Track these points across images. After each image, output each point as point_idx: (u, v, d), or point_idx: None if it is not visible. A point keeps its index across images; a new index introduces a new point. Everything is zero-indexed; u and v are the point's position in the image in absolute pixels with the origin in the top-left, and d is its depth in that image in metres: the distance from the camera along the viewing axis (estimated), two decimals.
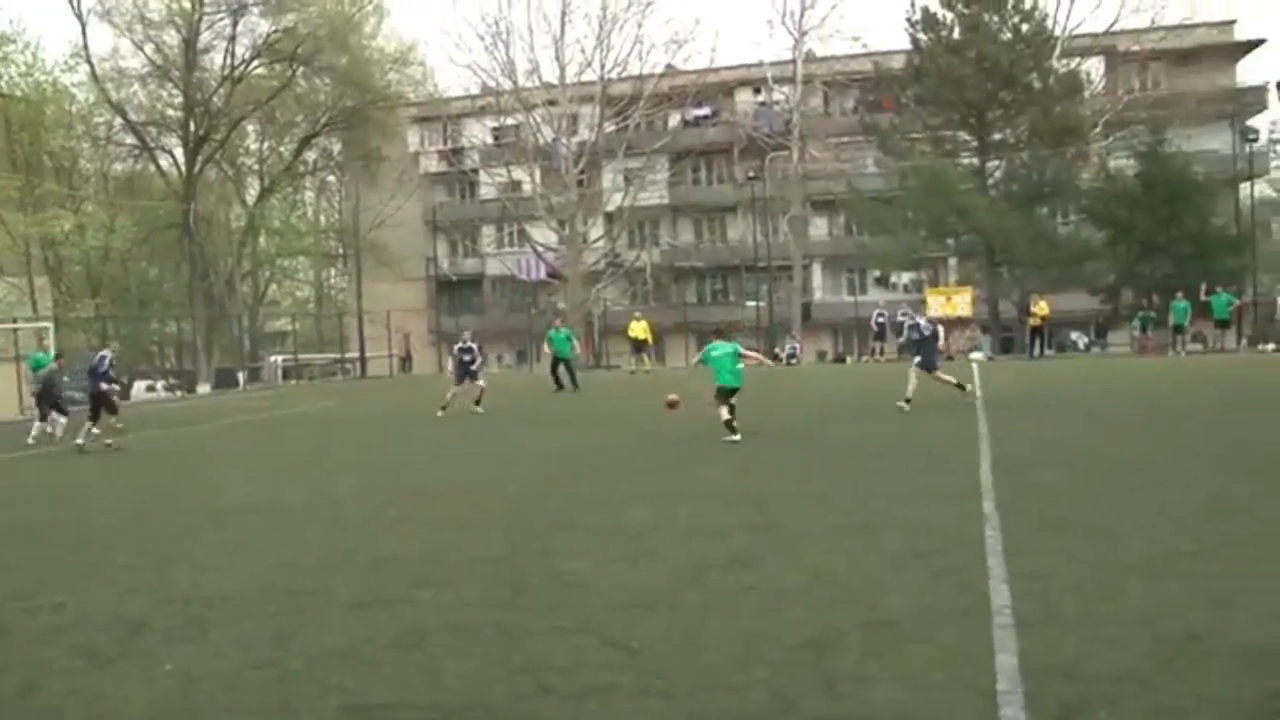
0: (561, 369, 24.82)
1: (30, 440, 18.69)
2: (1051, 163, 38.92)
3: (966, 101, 39.53)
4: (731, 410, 13.58)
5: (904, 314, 35.15)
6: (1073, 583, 6.16)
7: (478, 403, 19.60)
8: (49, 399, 19.21)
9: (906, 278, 49.11)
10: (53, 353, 20.35)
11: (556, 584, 6.70)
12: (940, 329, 17.35)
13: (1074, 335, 42.71)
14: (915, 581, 6.37)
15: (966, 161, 41.69)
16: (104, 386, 17.71)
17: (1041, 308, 31.43)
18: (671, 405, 14.93)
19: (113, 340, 25.75)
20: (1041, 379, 23.50)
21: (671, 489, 10.29)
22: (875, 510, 8.69)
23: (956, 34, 40.00)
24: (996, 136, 40.82)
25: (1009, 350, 38.95)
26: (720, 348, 14.27)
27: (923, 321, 17.56)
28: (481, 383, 20.29)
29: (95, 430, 17.28)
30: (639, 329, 31.44)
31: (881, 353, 34.51)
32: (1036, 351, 31.44)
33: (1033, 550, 7.00)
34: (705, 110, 52.74)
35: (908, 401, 16.40)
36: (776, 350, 39.06)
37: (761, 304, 42.26)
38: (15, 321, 30.92)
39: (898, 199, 41.43)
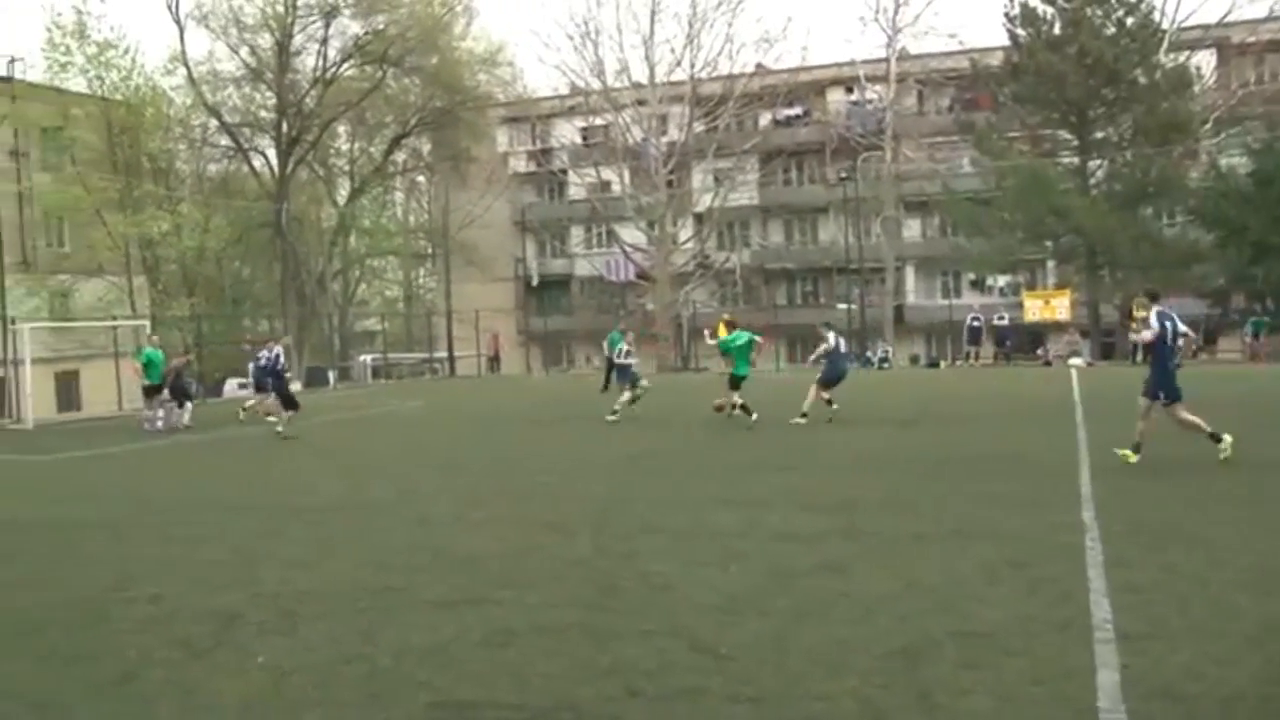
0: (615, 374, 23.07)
1: (159, 428, 20.55)
2: (1157, 161, 37.76)
3: (1067, 99, 38.62)
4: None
5: (1000, 317, 34.56)
6: (1178, 597, 5.99)
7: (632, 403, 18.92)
8: (179, 390, 21.43)
9: (1002, 281, 48.09)
10: (181, 348, 21.49)
11: (644, 587, 6.72)
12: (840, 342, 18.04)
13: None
14: (1011, 592, 6.25)
15: (1066, 161, 40.72)
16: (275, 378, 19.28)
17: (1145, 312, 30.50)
18: (719, 409, 15.35)
19: (285, 336, 26.86)
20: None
21: (759, 493, 10.25)
22: (968, 518, 8.55)
23: (1057, 29, 39.11)
24: (1098, 135, 39.79)
25: (1109, 356, 37.92)
26: (741, 336, 15.65)
27: (832, 336, 17.97)
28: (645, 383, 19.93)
29: (284, 416, 18.64)
30: (724, 331, 31.23)
31: (976, 357, 33.93)
32: (1139, 357, 30.52)
33: (1135, 562, 6.82)
34: (796, 110, 52.34)
35: (804, 416, 16.61)
36: (868, 354, 38.63)
37: (853, 306, 41.78)
38: (115, 319, 32.20)
39: (994, 200, 40.62)
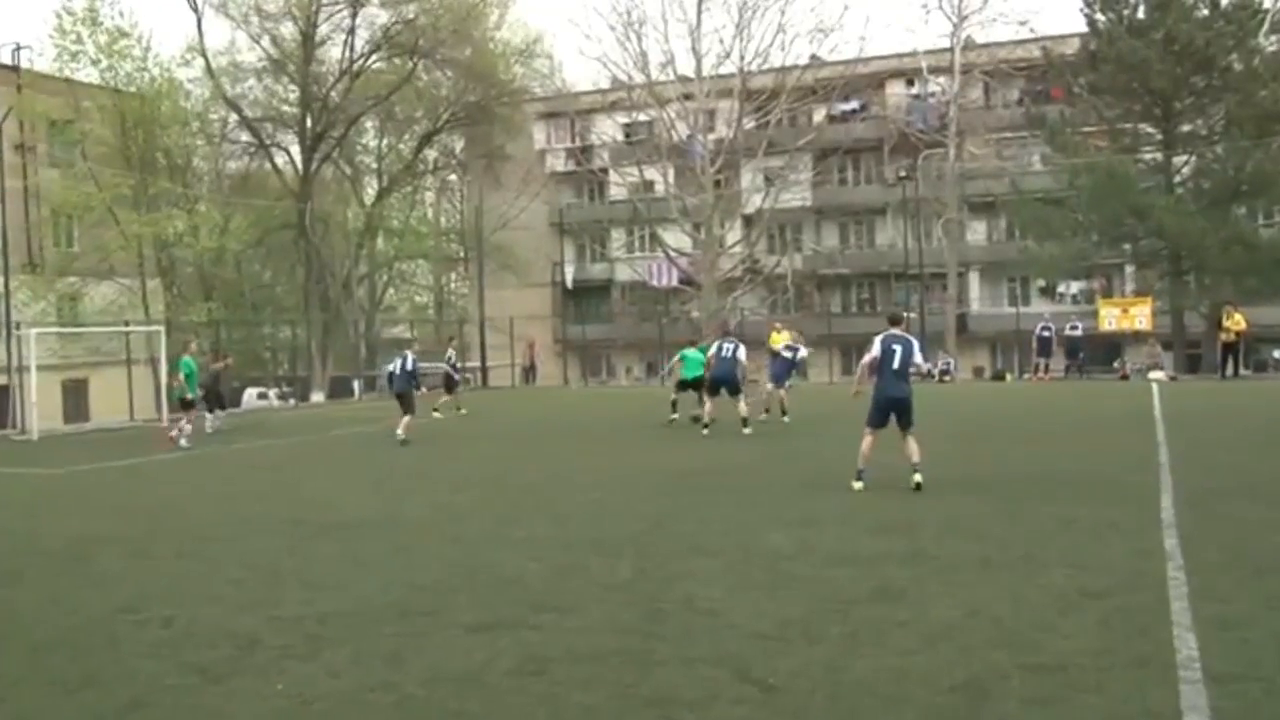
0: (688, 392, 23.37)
1: (209, 430, 21.39)
2: (1253, 155, 36.97)
3: (1150, 89, 38.16)
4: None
5: (1073, 327, 34.15)
6: (1274, 634, 5.89)
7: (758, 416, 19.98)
8: (215, 396, 22.30)
9: (1075, 287, 47.63)
10: (213, 352, 21.92)
11: (688, 612, 6.73)
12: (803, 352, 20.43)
13: (1277, 354, 40.68)
14: (1085, 624, 6.18)
15: (1148, 157, 40.25)
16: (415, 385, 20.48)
17: (1236, 321, 29.91)
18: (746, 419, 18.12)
19: (415, 341, 27.62)
20: (1234, 402, 22.51)
21: (812, 513, 10.23)
22: (1039, 543, 8.48)
23: (1141, 13, 38.66)
24: (1185, 128, 39.27)
25: (1196, 369, 37.36)
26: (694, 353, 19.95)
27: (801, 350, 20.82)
28: (778, 388, 21.13)
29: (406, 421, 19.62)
30: (778, 339, 31.49)
31: (1046, 370, 33.53)
32: (1229, 371, 30.05)
33: (1226, 594, 6.72)
34: (853, 104, 52.21)
35: (744, 423, 18.56)
36: (929, 366, 38.30)
37: (912, 314, 41.51)
38: (127, 324, 32.50)
39: (1067, 200, 40.22)
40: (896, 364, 11.50)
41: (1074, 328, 34.23)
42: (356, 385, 41.45)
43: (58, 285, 35.55)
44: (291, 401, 39.68)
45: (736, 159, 47.21)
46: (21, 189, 35.38)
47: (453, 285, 72.15)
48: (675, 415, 19.64)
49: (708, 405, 19.14)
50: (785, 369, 22.10)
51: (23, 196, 35.46)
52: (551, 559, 8.50)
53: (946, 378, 36.24)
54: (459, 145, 56.11)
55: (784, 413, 20.67)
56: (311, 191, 47.07)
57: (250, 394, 45.41)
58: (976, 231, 51.50)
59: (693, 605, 6.87)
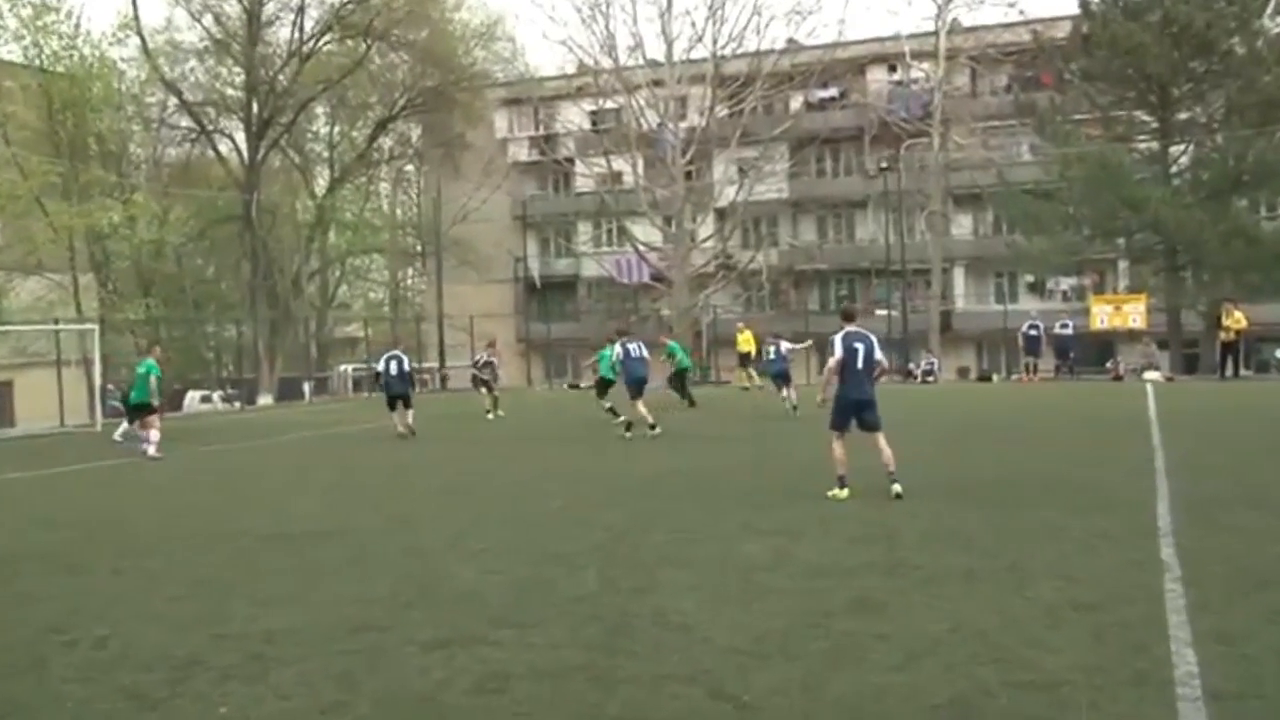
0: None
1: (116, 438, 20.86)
2: (1255, 145, 37.16)
3: (1147, 75, 38.44)
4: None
5: (1063, 325, 34.41)
6: (1276, 649, 5.93)
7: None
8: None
9: (1066, 284, 48.02)
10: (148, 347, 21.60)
11: (658, 626, 6.73)
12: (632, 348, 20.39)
13: (1278, 353, 41.14)
14: (1076, 638, 6.21)
15: (1144, 146, 40.62)
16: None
17: (1236, 319, 30.20)
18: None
19: (404, 341, 27.80)
20: (1234, 404, 22.76)
21: (789, 521, 10.24)
22: (1027, 553, 8.52)
23: None
24: (1183, 116, 39.61)
25: (1193, 370, 37.75)
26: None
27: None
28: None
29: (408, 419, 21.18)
30: (744, 340, 32.46)
31: (1035, 370, 33.79)
32: (1229, 371, 30.38)
33: (1226, 608, 6.76)
34: (832, 91, 52.44)
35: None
36: (910, 366, 38.55)
37: (894, 313, 41.80)
38: (57, 322, 32.06)
39: (1058, 192, 40.55)
40: (860, 363, 11.50)
41: (1064, 326, 34.50)
42: (307, 387, 41.28)
43: None
44: (237, 405, 39.41)
45: (709, 149, 47.33)
46: None
47: (410, 281, 71.97)
48: (620, 417, 19.92)
49: (644, 409, 19.60)
50: (783, 368, 23.84)
51: None
52: (512, 571, 8.47)
53: (930, 379, 36.47)
54: (416, 133, 56.04)
55: (794, 408, 22.79)
56: (258, 181, 46.76)
57: (193, 397, 45.09)
58: (962, 225, 51.91)
59: (663, 619, 6.87)
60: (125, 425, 21.32)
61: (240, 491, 14.58)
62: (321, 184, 56.60)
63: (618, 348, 20.19)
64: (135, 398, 19.73)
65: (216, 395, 45.31)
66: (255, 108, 46.03)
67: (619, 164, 48.39)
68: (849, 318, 11.94)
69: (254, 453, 20.06)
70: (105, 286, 40.46)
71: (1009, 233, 47.04)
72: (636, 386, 19.82)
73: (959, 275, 52.11)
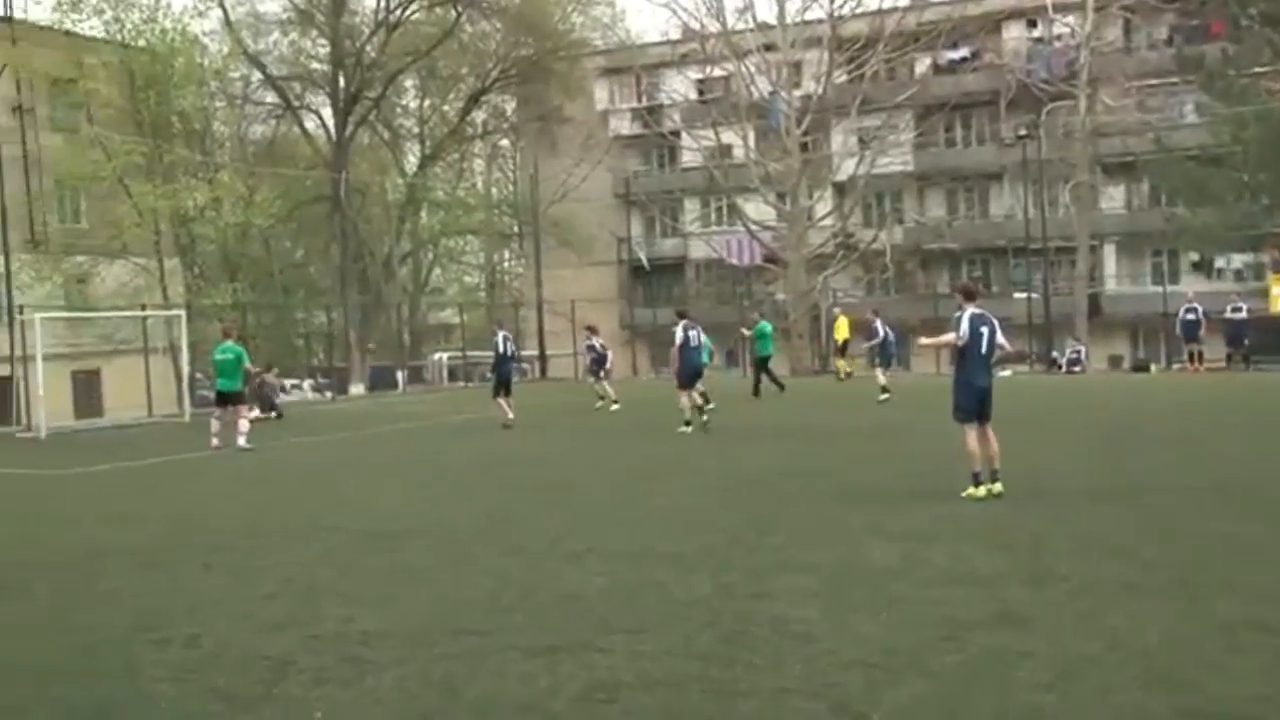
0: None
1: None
2: None
3: None
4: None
5: (1235, 308, 33.15)
6: None
7: None
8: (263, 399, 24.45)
9: (1238, 261, 46.41)
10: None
11: (778, 635, 6.70)
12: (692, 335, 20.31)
13: None
14: (1256, 663, 6.00)
15: None
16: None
17: None
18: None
19: (507, 324, 28.71)
20: None
21: (922, 524, 10.13)
22: (1193, 564, 8.29)
23: None
24: None
25: None
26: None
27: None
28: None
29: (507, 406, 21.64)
30: (841, 327, 32.44)
31: (1200, 359, 32.72)
32: None
33: None
34: (963, 52, 51.53)
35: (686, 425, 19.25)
36: (1054, 355, 37.81)
37: (1034, 296, 40.99)
38: (144, 309, 32.97)
39: (1228, 157, 39.07)
40: (984, 348, 11.42)
41: (1237, 309, 33.15)
42: (400, 376, 41.86)
43: (64, 265, 36.04)
44: (328, 394, 40.19)
45: (826, 119, 46.93)
46: (21, 157, 35.97)
47: (506, 264, 72.63)
48: (710, 404, 20.51)
49: (696, 398, 19.92)
50: (889, 350, 25.45)
51: (22, 165, 36.07)
52: (619, 573, 8.51)
53: (1076, 368, 35.73)
54: (510, 106, 56.44)
55: (885, 390, 24.09)
56: (346, 159, 47.56)
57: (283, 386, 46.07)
58: (1112, 198, 50.46)
59: (783, 628, 6.84)
60: (243, 424, 20.14)
61: (331, 486, 14.86)
62: (412, 161, 57.45)
63: (679, 332, 20.17)
64: (226, 386, 19.92)
65: (306, 384, 46.27)
66: (342, 81, 46.84)
67: (728, 136, 48.22)
68: (970, 296, 11.82)
69: (346, 445, 20.44)
70: (191, 271, 41.43)
71: (1168, 205, 45.68)
72: (691, 377, 19.99)
73: (1109, 253, 50.77)
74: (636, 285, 57.88)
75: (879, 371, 25.75)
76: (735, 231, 50.96)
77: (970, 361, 11.42)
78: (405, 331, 53.29)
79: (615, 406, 24.99)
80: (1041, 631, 6.61)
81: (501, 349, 22.60)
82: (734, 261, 51.68)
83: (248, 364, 20.24)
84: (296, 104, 49.68)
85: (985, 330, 11.40)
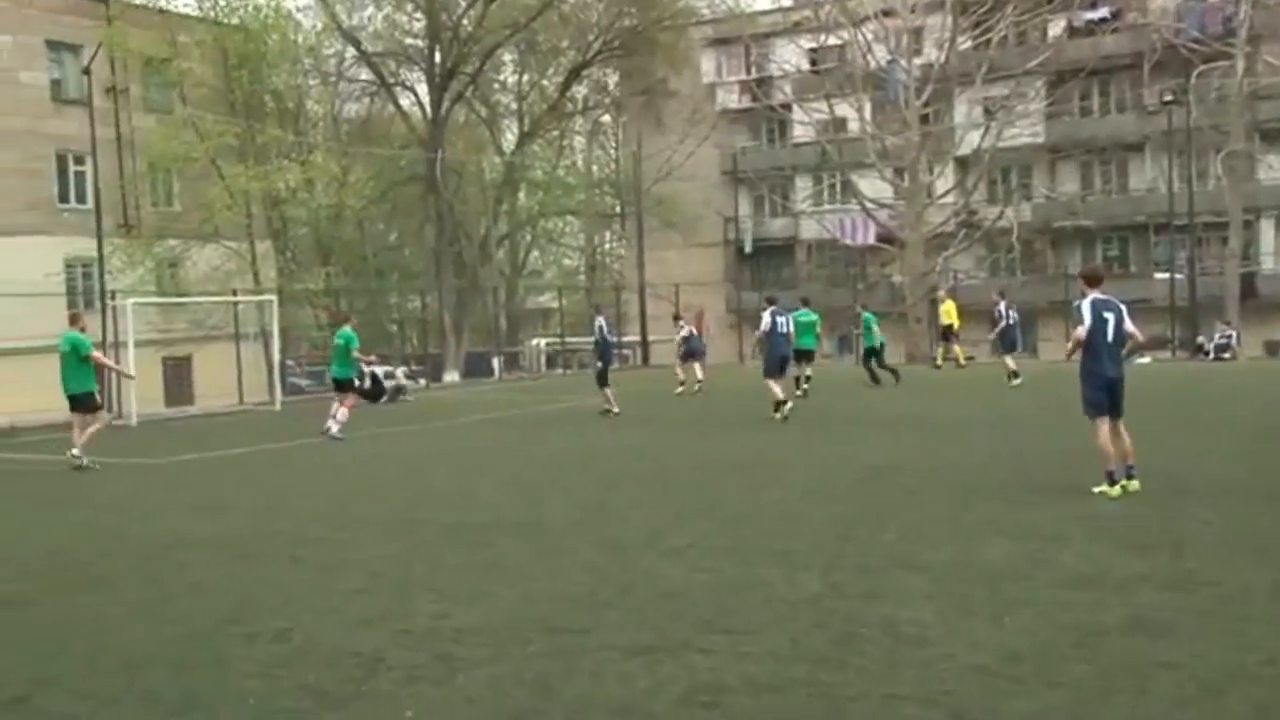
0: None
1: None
2: None
3: None
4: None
5: None
6: None
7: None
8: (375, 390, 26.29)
9: None
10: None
11: (890, 638, 6.64)
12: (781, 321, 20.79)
13: None
14: None
15: None
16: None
17: None
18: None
19: (606, 309, 29.38)
20: None
21: (1045, 521, 9.99)
22: None
23: None
24: None
25: None
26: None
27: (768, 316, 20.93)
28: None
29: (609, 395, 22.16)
30: (946, 312, 32.08)
31: None
32: None
33: None
34: (1102, 11, 50.38)
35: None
36: (1200, 340, 36.93)
37: (1178, 276, 40.05)
38: (235, 294, 33.66)
39: None
40: (1111, 335, 11.22)
41: None
42: (496, 363, 42.22)
43: (156, 249, 36.86)
44: (422, 382, 40.66)
45: (949, 88, 46.31)
46: (114, 139, 36.84)
47: (608, 246, 72.90)
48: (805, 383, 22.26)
49: (777, 387, 20.15)
50: (1011, 336, 26.07)
51: (115, 148, 36.95)
52: (723, 570, 8.51)
53: (1225, 355, 34.94)
54: (613, 80, 56.55)
55: (1014, 375, 25.03)
56: (442, 138, 48.09)
57: (375, 373, 46.66)
58: (1272, 167, 48.78)
59: (895, 630, 6.79)
60: (341, 413, 20.44)
61: (423, 477, 15.07)
62: (510, 139, 57.84)
63: (766, 318, 20.65)
64: (337, 373, 20.84)
65: (400, 371, 46.88)
66: (438, 56, 47.32)
67: (843, 109, 47.89)
68: (1094, 281, 11.62)
69: (439, 435, 20.68)
70: (283, 255, 42.14)
71: None
72: (777, 365, 20.43)
73: (1266, 229, 49.33)
74: (744, 267, 57.76)
75: (1007, 359, 26.12)
76: (849, 210, 50.59)
77: (1097, 351, 11.21)
78: (502, 316, 53.76)
79: (680, 390, 26.39)
80: (1184, 641, 6.46)
81: (605, 333, 23.06)
82: (847, 242, 51.30)
83: (355, 351, 20.74)
84: (391, 81, 50.31)
85: (1111, 316, 11.20)
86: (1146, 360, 33.92)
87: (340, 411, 20.02)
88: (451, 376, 42.58)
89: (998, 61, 45.78)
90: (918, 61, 45.47)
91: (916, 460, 14.31)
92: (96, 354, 17.29)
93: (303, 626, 7.34)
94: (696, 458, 15.80)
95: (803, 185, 56.94)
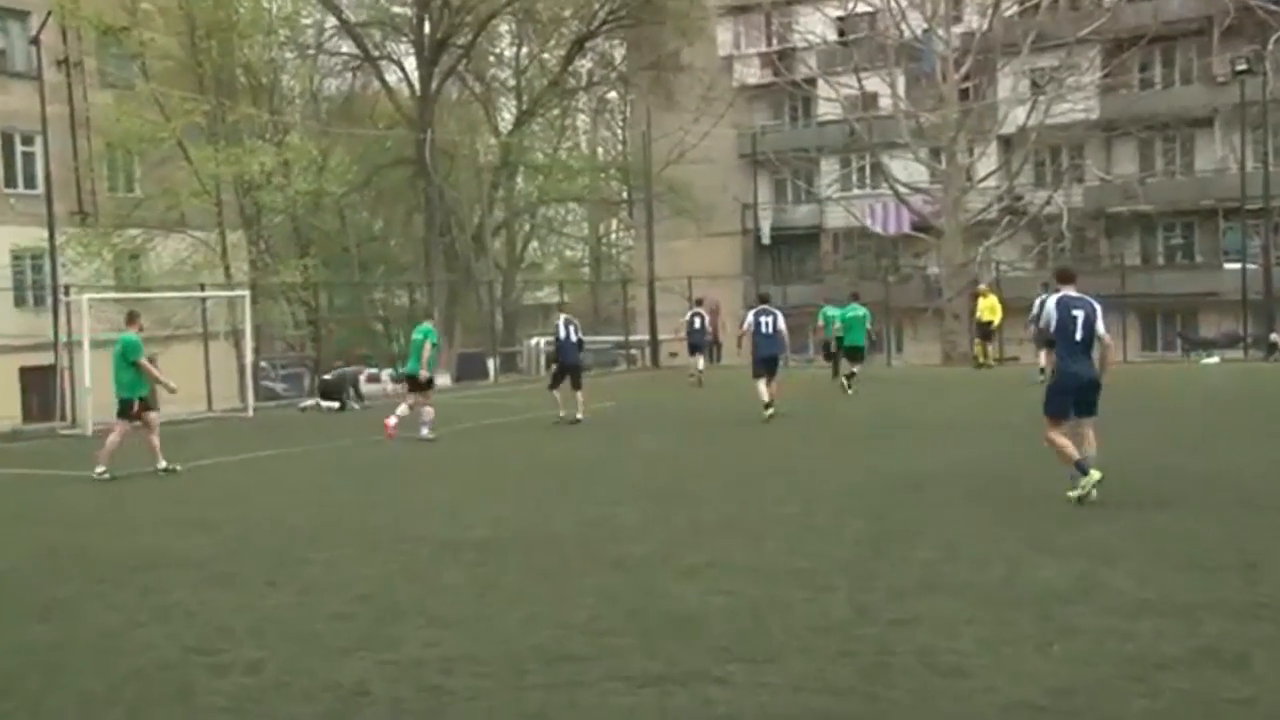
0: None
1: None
2: None
3: None
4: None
5: None
6: None
7: None
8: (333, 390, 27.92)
9: None
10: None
11: (926, 668, 6.65)
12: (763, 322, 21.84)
13: None
14: None
15: None
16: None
17: None
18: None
19: (568, 304, 29.76)
20: None
21: (1099, 538, 10.00)
22: None
23: None
24: None
25: None
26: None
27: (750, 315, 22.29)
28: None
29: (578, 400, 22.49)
30: (987, 308, 32.04)
31: None
32: None
33: None
34: None
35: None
36: (1273, 337, 36.83)
37: (1251, 266, 39.93)
38: (204, 289, 33.59)
39: None
40: (1079, 334, 11.70)
41: None
42: (491, 365, 42.19)
43: (115, 240, 36.75)
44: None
45: (991, 60, 46.24)
46: (67, 116, 36.68)
47: (615, 236, 72.92)
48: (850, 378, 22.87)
49: (763, 389, 21.17)
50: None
51: (69, 126, 36.82)
52: (740, 591, 8.53)
53: None
54: (619, 53, 56.49)
55: (1043, 371, 23.61)
56: (432, 117, 48.06)
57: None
58: None
59: (931, 660, 6.79)
60: (427, 412, 21.43)
61: (414, 490, 15.11)
62: (507, 118, 57.82)
63: (749, 318, 22.03)
64: (413, 368, 21.77)
65: (386, 374, 46.88)
66: (427, 27, 47.30)
67: (873, 84, 47.80)
68: (1067, 279, 12.24)
69: (430, 443, 20.69)
70: (257, 246, 42.01)
71: None
72: (766, 366, 21.47)
73: None
74: (763, 259, 57.70)
75: (1041, 355, 25.88)
76: (880, 195, 50.56)
77: (1064, 349, 11.85)
78: (498, 313, 53.62)
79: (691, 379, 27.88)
80: (1260, 675, 6.44)
81: (562, 333, 23.45)
82: (878, 230, 51.27)
83: (428, 346, 21.56)
84: (376, 54, 50.32)
85: (1080, 314, 11.72)
86: (1215, 360, 33.88)
87: (424, 411, 20.97)
88: (443, 379, 42.51)
89: (1047, 28, 45.68)
90: (957, 30, 45.43)
91: (953, 469, 14.31)
92: (144, 361, 17.81)
93: (278, 656, 7.36)
94: (713, 466, 15.87)
95: (829, 168, 56.77)
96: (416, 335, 21.89)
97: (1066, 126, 48.49)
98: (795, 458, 16.46)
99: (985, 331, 33.00)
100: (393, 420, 21.03)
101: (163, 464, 17.55)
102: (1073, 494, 11.46)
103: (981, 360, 32.67)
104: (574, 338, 23.09)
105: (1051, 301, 11.97)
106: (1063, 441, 11.69)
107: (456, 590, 9.02)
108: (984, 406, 23.09)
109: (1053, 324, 11.81)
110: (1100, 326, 11.80)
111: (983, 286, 34.92)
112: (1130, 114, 51.56)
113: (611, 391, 29.43)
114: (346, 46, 50.60)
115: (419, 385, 21.40)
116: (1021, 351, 37.43)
